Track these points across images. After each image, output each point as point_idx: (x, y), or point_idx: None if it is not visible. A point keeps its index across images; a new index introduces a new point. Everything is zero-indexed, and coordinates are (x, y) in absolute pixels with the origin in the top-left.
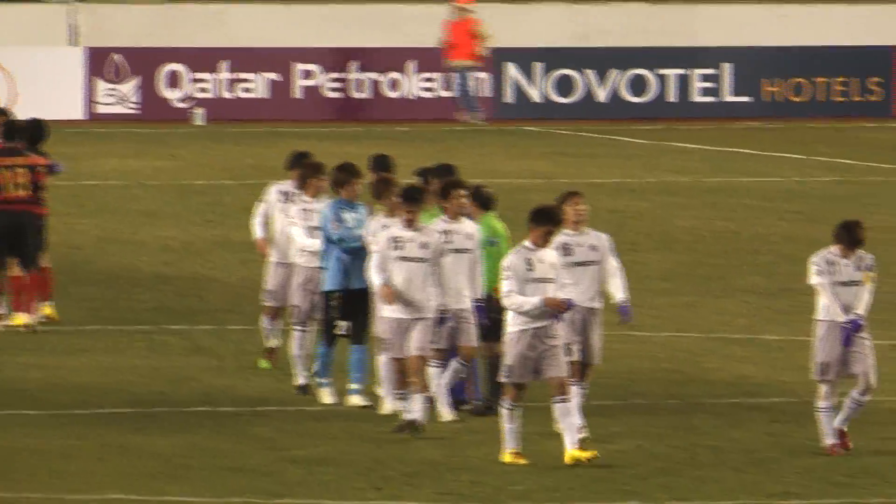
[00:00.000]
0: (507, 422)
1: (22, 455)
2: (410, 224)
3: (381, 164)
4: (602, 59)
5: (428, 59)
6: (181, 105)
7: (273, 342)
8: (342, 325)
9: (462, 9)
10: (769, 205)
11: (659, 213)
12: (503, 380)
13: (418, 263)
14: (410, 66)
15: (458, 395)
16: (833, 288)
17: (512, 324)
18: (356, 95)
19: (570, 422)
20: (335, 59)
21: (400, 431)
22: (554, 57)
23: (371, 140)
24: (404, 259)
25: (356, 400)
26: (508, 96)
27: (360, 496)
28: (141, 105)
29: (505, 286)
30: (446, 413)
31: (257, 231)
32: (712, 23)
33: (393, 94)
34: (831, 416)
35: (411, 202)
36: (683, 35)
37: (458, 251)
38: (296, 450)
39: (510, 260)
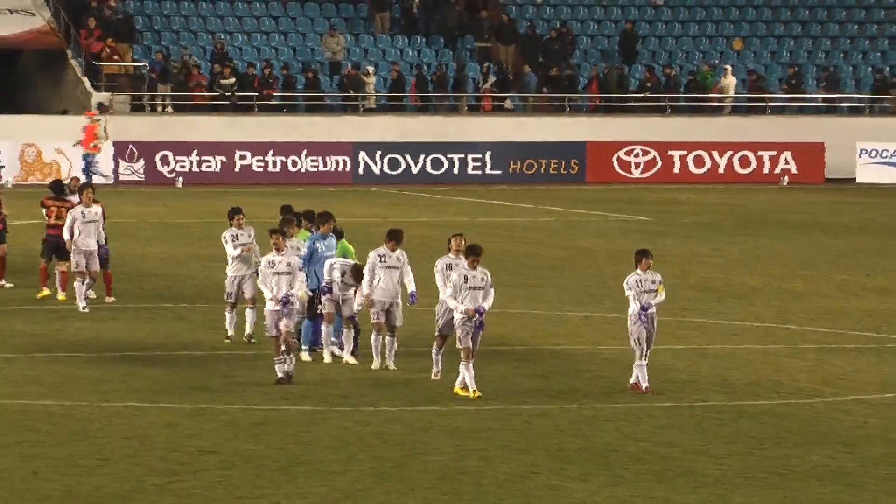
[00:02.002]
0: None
1: (73, 378)
2: (278, 250)
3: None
4: (415, 149)
5: (316, 149)
6: (169, 175)
7: (230, 331)
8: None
9: (92, 119)
10: (514, 234)
11: (444, 239)
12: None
13: (285, 275)
14: (303, 152)
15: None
16: (639, 296)
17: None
18: (271, 170)
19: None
20: (258, 148)
21: (279, 383)
22: (387, 147)
23: (279, 197)
24: (276, 273)
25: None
26: (360, 171)
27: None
28: (145, 175)
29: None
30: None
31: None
32: (480, 127)
33: (293, 170)
34: (644, 369)
35: (276, 233)
36: (462, 134)
37: (390, 268)
38: (252, 374)
39: (454, 277)
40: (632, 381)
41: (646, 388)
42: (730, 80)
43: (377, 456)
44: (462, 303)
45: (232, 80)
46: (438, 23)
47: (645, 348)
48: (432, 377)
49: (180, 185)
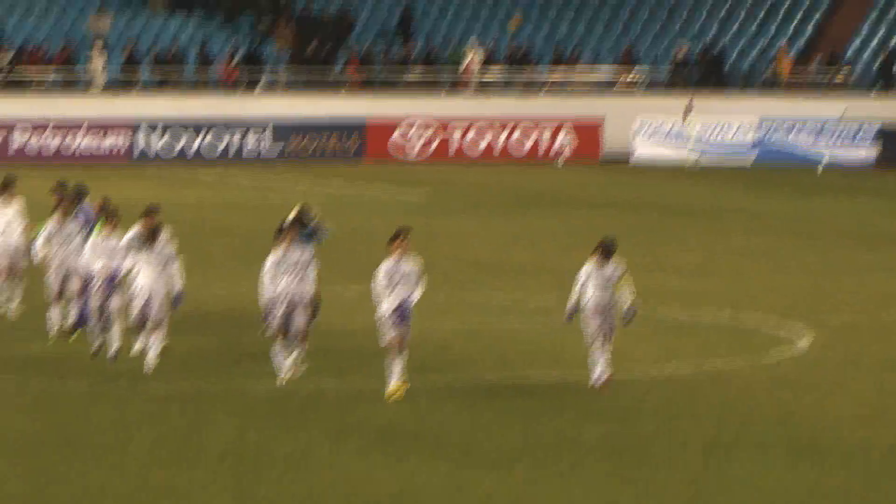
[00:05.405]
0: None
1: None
2: None
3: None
4: (192, 126)
5: (94, 127)
6: None
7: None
8: None
9: None
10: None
11: (218, 219)
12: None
13: None
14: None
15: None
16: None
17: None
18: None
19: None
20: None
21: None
22: (164, 125)
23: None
24: None
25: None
26: (138, 150)
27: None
28: None
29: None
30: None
31: None
32: (258, 105)
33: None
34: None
35: None
36: (240, 111)
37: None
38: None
39: (383, 267)
40: (600, 377)
41: (608, 376)
42: (474, 58)
43: (157, 435)
44: (389, 296)
45: (9, 55)
46: (216, 2)
47: (609, 335)
48: (278, 384)
49: None
